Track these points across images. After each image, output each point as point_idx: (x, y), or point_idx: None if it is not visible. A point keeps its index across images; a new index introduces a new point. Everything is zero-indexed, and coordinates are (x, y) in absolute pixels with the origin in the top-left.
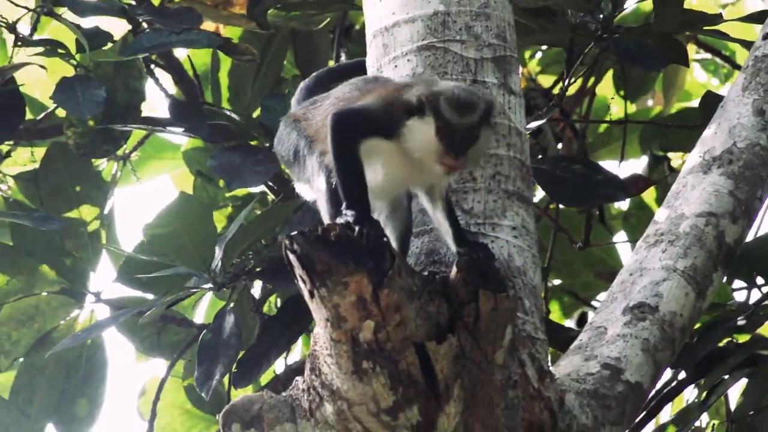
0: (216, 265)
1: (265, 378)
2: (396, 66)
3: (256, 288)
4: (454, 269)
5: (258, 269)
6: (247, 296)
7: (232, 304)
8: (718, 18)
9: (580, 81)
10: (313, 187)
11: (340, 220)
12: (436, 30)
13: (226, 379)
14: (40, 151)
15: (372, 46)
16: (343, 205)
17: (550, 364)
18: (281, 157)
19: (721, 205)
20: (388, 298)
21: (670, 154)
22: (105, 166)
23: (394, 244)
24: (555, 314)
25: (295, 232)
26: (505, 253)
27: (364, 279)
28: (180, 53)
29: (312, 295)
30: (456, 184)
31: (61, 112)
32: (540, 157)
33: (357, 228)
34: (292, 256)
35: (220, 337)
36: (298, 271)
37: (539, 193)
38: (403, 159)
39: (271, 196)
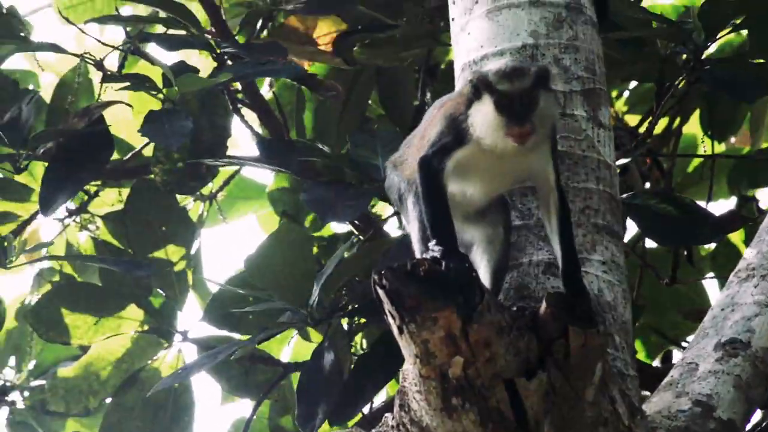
0: (314, 300)
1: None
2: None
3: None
4: (544, 304)
5: (352, 306)
6: (341, 333)
7: (328, 341)
8: None
9: (666, 120)
10: (409, 226)
11: (428, 255)
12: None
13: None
14: (127, 192)
15: (461, 79)
16: (431, 241)
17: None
18: (393, 202)
19: None
20: (478, 334)
21: (759, 194)
22: (192, 206)
23: (487, 278)
24: (641, 353)
25: (386, 267)
26: (595, 288)
27: (453, 314)
28: (265, 92)
29: (401, 331)
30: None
31: (148, 152)
32: (631, 193)
33: (445, 263)
34: (381, 292)
35: (320, 374)
36: (388, 306)
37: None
38: (481, 154)
39: (358, 236)
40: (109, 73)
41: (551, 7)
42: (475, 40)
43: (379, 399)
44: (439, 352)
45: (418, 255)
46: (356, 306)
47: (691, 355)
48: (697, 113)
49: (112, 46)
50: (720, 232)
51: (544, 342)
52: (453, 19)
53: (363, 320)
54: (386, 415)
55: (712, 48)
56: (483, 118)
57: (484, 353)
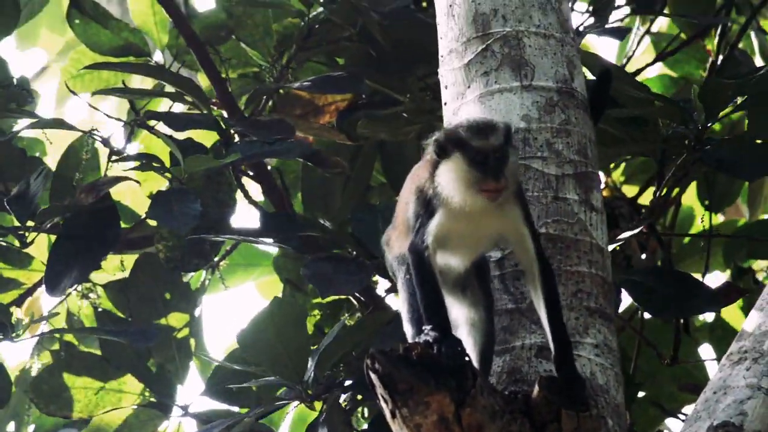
0: (309, 376)
1: None
2: None
3: (345, 400)
4: (537, 388)
5: (348, 381)
6: (338, 409)
7: (323, 417)
8: None
9: (664, 191)
10: (401, 302)
11: (421, 339)
12: (517, 147)
13: None
14: (129, 260)
15: None
16: (424, 324)
17: None
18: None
19: None
20: (471, 418)
21: (755, 266)
22: (193, 273)
23: (475, 359)
24: (639, 426)
25: (377, 351)
26: (587, 371)
27: (446, 398)
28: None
29: (394, 415)
30: None
31: (151, 221)
32: (629, 268)
33: (437, 347)
34: (373, 376)
35: None
36: (380, 390)
37: (623, 304)
38: (452, 218)
39: (358, 306)
40: (115, 149)
41: (543, 92)
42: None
43: None
44: None
45: (409, 336)
46: (353, 382)
47: None
48: (694, 183)
49: (119, 119)
50: (717, 304)
51: (537, 426)
52: (446, 104)
53: (360, 396)
54: None
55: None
56: (453, 176)
57: None
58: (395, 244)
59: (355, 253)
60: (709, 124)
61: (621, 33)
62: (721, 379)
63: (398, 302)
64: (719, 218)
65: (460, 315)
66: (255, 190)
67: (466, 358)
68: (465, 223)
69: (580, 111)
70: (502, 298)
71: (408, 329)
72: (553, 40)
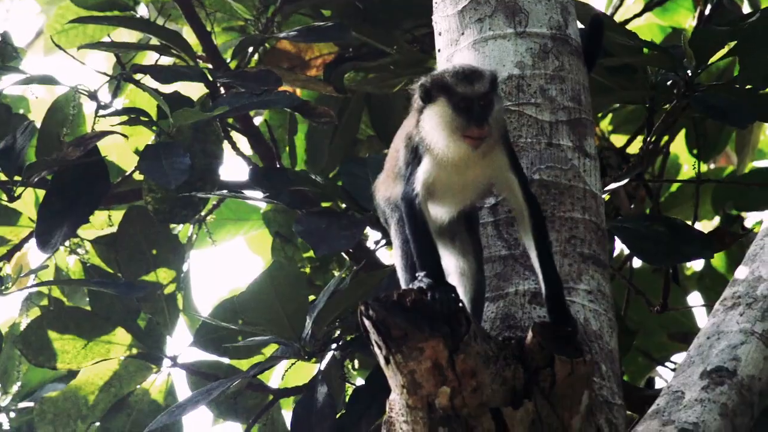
0: (306, 334)
1: None
2: None
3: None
4: (530, 334)
5: (345, 338)
6: (336, 366)
7: (321, 375)
8: None
9: (653, 139)
10: (394, 249)
11: (414, 286)
12: (511, 93)
13: None
14: (117, 215)
15: None
16: (418, 271)
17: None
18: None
19: None
20: (464, 364)
21: (744, 214)
22: (181, 228)
23: (466, 307)
24: (627, 375)
25: (372, 298)
26: (581, 318)
27: (440, 344)
28: (256, 118)
29: (388, 361)
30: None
31: (138, 176)
32: (620, 216)
33: (431, 293)
34: (367, 322)
35: (313, 408)
36: (374, 336)
37: (614, 252)
38: (438, 165)
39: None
40: (102, 103)
41: (537, 38)
42: None
43: None
44: (426, 382)
45: (402, 283)
46: (350, 338)
47: (677, 383)
48: (683, 133)
49: (106, 74)
50: (710, 249)
51: (531, 371)
52: (439, 51)
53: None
54: None
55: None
56: (437, 121)
57: (471, 383)
58: (381, 186)
59: (345, 206)
60: (699, 71)
61: None
62: (715, 325)
63: (392, 252)
64: (708, 167)
65: (450, 263)
66: (243, 144)
67: (460, 304)
68: (450, 171)
69: (574, 57)
70: (495, 244)
71: (402, 276)
72: None
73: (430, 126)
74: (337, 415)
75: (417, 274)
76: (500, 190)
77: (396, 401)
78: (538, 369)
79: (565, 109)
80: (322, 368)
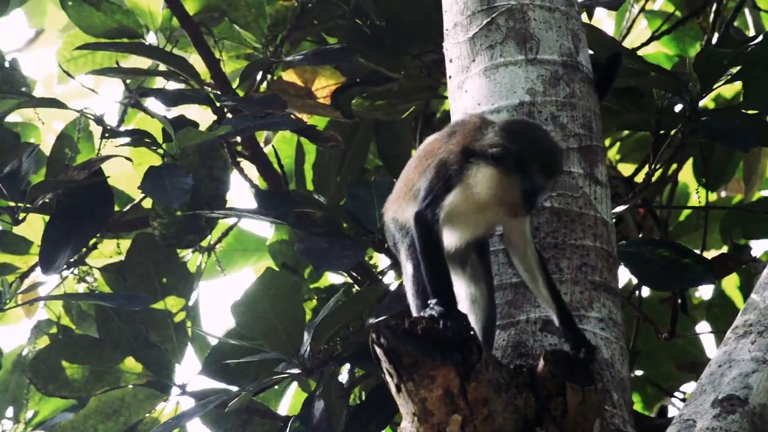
0: (305, 349)
1: None
2: None
3: (343, 375)
4: (542, 362)
5: (345, 355)
6: (335, 383)
7: (320, 390)
8: None
9: (660, 168)
10: (404, 274)
11: (426, 313)
12: None
13: None
14: (125, 243)
15: None
16: (430, 298)
17: None
18: (391, 248)
19: None
20: (476, 392)
21: (752, 243)
22: (190, 257)
23: (478, 334)
24: (637, 405)
25: (382, 324)
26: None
27: (451, 372)
28: (265, 145)
29: (399, 389)
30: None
31: (147, 204)
32: (624, 242)
33: (443, 321)
34: (378, 350)
35: (310, 423)
36: (385, 364)
37: (621, 281)
38: (466, 201)
39: (355, 287)
40: (108, 127)
41: (548, 65)
42: (472, 98)
43: None
44: (437, 410)
45: (414, 309)
46: (350, 355)
47: (688, 412)
48: (690, 161)
49: (112, 100)
50: (713, 275)
51: (542, 399)
52: (450, 77)
53: (361, 371)
54: None
55: (707, 98)
56: (497, 185)
57: (482, 411)
58: (392, 207)
59: (350, 229)
60: (704, 94)
61: (615, 3)
62: (726, 353)
63: (403, 277)
64: (716, 196)
65: (461, 290)
66: (252, 172)
67: (471, 332)
68: (477, 209)
69: (585, 84)
70: (506, 272)
71: (413, 302)
72: (558, 13)
73: (485, 181)
74: None
75: (429, 302)
76: (511, 230)
77: (407, 429)
78: (549, 397)
79: (576, 136)
80: (320, 385)
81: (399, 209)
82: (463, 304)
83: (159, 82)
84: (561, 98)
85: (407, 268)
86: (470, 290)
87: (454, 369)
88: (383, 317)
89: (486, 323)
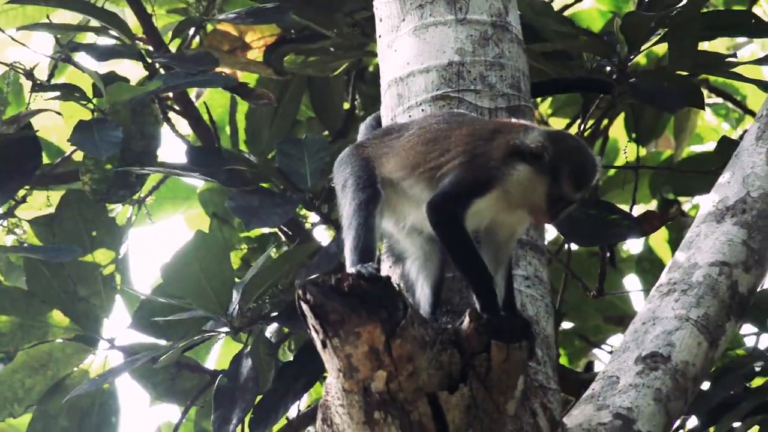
0: (233, 308)
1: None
2: (410, 116)
3: (271, 332)
4: (467, 319)
5: (274, 313)
6: (264, 340)
7: (248, 348)
8: (732, 59)
9: (592, 123)
10: (345, 221)
11: (353, 270)
12: (451, 80)
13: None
14: (55, 196)
15: (386, 95)
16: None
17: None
18: (335, 181)
19: (735, 255)
20: (401, 348)
21: (681, 199)
22: (120, 209)
23: (427, 293)
24: (564, 359)
25: (309, 281)
26: (518, 303)
27: (377, 329)
28: (196, 99)
29: (324, 345)
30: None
31: (77, 157)
32: None
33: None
34: (305, 306)
35: (237, 381)
36: (311, 320)
37: (549, 236)
38: (495, 202)
39: (285, 240)
40: (38, 81)
41: (477, 25)
42: (401, 57)
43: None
44: (362, 366)
45: (348, 263)
46: (279, 314)
47: (612, 369)
48: (621, 117)
49: (43, 54)
50: (639, 231)
51: (467, 356)
52: (380, 36)
53: (286, 329)
54: (308, 429)
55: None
56: (530, 186)
57: (407, 367)
58: (387, 166)
59: (281, 186)
60: (631, 57)
61: None
62: (650, 310)
63: (343, 227)
64: (646, 152)
65: (413, 248)
66: (183, 126)
67: (398, 289)
68: (506, 209)
69: (514, 45)
70: None
71: (348, 256)
72: None
73: (521, 180)
74: (264, 390)
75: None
76: (507, 229)
77: (332, 385)
78: (474, 354)
79: (505, 96)
80: (248, 342)
81: (402, 175)
82: (418, 260)
83: (90, 37)
84: (490, 58)
85: (352, 221)
86: (425, 248)
87: (379, 325)
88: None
89: (436, 279)
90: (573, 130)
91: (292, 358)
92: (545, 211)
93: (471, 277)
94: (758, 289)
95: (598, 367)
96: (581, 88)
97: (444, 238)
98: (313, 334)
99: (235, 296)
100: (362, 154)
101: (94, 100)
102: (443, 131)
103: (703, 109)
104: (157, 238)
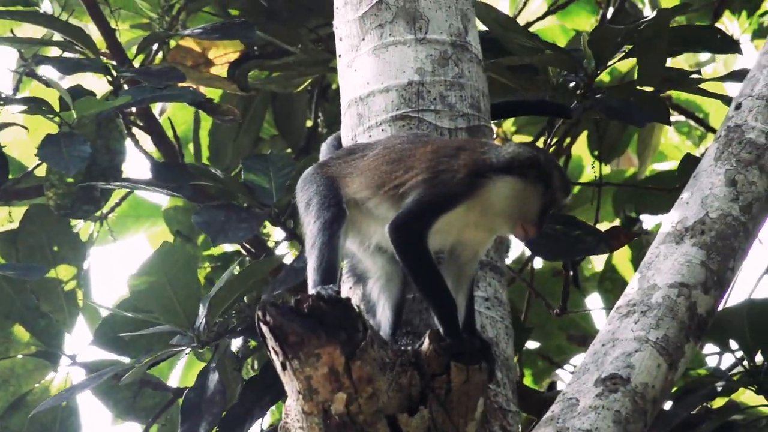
0: (200, 322)
1: None
2: (370, 136)
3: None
4: (426, 341)
5: (240, 328)
6: (230, 355)
7: (215, 363)
8: (698, 76)
9: (555, 141)
10: (308, 241)
11: (314, 291)
12: (411, 100)
13: None
14: (17, 211)
15: (347, 115)
16: (442, 332)
17: None
18: (298, 199)
19: (693, 276)
20: (361, 370)
21: (644, 217)
22: (82, 225)
23: (388, 314)
24: (528, 379)
25: (269, 303)
26: (477, 325)
27: (336, 351)
28: (162, 111)
29: (284, 367)
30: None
31: (40, 172)
32: None
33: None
34: (264, 328)
35: (204, 395)
36: (271, 342)
37: (512, 255)
38: (465, 216)
39: (248, 259)
40: (3, 94)
41: (437, 45)
42: (361, 76)
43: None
44: (322, 388)
45: (310, 283)
46: (244, 328)
47: (572, 390)
48: (584, 135)
49: (7, 68)
50: (606, 245)
51: (427, 378)
52: (340, 56)
53: (254, 343)
54: None
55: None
56: (522, 198)
57: (367, 389)
58: (355, 185)
59: (246, 201)
60: (598, 72)
61: None
62: (610, 332)
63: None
64: (609, 170)
65: (375, 268)
66: (147, 143)
67: (358, 311)
68: (461, 226)
69: (474, 65)
70: None
71: (311, 276)
72: None
73: (506, 193)
74: (230, 405)
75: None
76: (468, 248)
77: (292, 407)
78: (434, 376)
79: (465, 116)
80: (215, 357)
81: (367, 195)
82: (380, 281)
83: (54, 52)
84: (450, 78)
85: (315, 241)
86: (386, 269)
87: (339, 347)
88: (279, 290)
89: (397, 301)
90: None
91: (256, 375)
92: (536, 220)
93: (433, 300)
94: (718, 310)
95: (561, 387)
96: (540, 111)
97: (405, 260)
98: (273, 356)
99: (202, 310)
100: (326, 173)
101: (61, 114)
102: (408, 150)
103: (670, 124)
104: (118, 256)
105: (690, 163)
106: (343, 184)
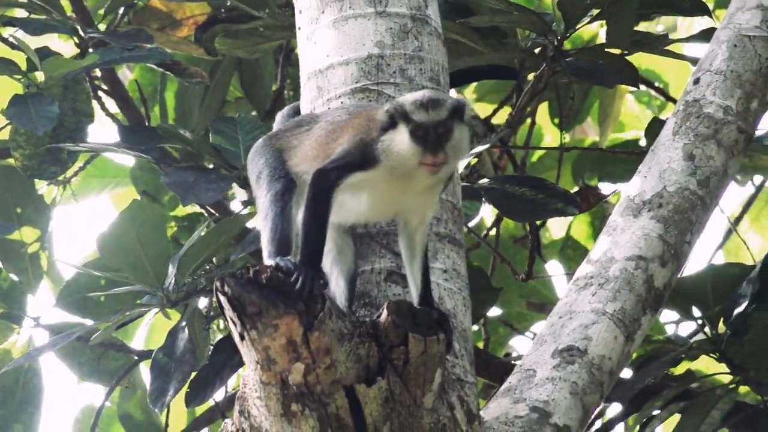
0: (170, 282)
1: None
2: (329, 108)
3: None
4: (385, 312)
5: (209, 288)
6: (199, 315)
7: (184, 322)
8: (665, 38)
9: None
10: (261, 213)
11: (271, 262)
12: (370, 73)
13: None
14: None
15: (306, 88)
16: (301, 251)
17: (479, 406)
18: (249, 171)
19: (651, 249)
20: (319, 341)
21: (602, 185)
22: (46, 188)
23: (342, 286)
24: (490, 344)
25: (227, 274)
26: (435, 296)
27: (294, 321)
28: (124, 77)
29: (242, 338)
30: (387, 226)
31: (4, 134)
32: (486, 179)
33: (299, 274)
34: (222, 298)
35: (174, 354)
36: (229, 313)
37: (475, 220)
38: (387, 180)
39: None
40: None
41: (397, 18)
42: (321, 49)
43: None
44: (280, 358)
45: (265, 254)
46: (212, 289)
47: (529, 362)
48: (546, 103)
49: None
50: (575, 206)
51: (385, 349)
52: (299, 29)
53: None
54: (225, 420)
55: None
56: (396, 146)
57: (325, 360)
58: (298, 158)
59: (214, 163)
60: (568, 34)
61: None
62: (567, 304)
63: (259, 222)
64: (569, 138)
65: (331, 240)
66: (112, 106)
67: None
68: (392, 189)
69: (434, 38)
70: None
71: (266, 247)
72: None
73: (391, 149)
74: (199, 364)
75: (281, 256)
76: (413, 212)
77: (250, 377)
78: (392, 347)
79: (424, 89)
80: (185, 316)
81: (305, 162)
82: (331, 253)
83: (20, 13)
84: (409, 51)
85: (268, 212)
86: (338, 241)
87: (297, 318)
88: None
89: (351, 273)
90: (501, 116)
91: (227, 335)
92: (429, 151)
93: (308, 233)
94: (674, 283)
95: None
96: (490, 75)
97: (309, 200)
98: (231, 326)
99: (171, 269)
100: (275, 145)
101: (29, 75)
102: (344, 122)
103: (638, 86)
104: (79, 218)
105: (657, 127)
106: (287, 157)
